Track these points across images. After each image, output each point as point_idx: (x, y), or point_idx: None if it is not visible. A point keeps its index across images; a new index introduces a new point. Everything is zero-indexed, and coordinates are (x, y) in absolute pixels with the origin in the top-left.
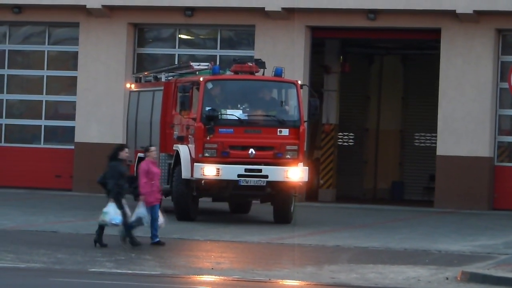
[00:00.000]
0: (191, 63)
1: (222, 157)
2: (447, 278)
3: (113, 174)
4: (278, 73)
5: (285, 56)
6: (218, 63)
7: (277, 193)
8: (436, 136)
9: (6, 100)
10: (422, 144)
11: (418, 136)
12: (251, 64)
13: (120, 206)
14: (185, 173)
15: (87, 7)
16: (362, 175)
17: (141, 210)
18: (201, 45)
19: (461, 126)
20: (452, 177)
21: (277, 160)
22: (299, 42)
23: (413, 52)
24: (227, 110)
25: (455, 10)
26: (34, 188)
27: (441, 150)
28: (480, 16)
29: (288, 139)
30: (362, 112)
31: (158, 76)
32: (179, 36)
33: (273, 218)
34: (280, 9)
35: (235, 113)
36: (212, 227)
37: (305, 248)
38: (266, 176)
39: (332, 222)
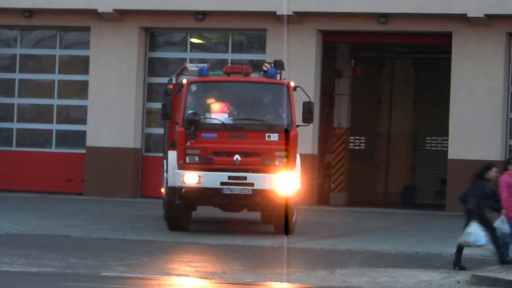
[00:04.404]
0: (186, 65)
1: (205, 164)
2: (458, 282)
3: (477, 193)
4: (272, 74)
5: (297, 60)
6: None
7: (267, 203)
8: (447, 140)
9: (18, 104)
10: (434, 148)
11: (429, 140)
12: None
13: (486, 226)
14: (171, 181)
15: (98, 11)
16: (374, 179)
17: (503, 226)
18: (212, 49)
19: (472, 130)
20: (463, 180)
21: (265, 167)
22: (311, 46)
23: (425, 56)
24: (211, 114)
25: (466, 14)
26: (46, 192)
27: (452, 154)
28: (491, 20)
29: (277, 145)
30: (374, 116)
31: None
32: (191, 40)
33: (274, 229)
34: (291, 13)
35: (219, 117)
36: (224, 232)
37: (316, 251)
38: (252, 184)
39: (343, 226)
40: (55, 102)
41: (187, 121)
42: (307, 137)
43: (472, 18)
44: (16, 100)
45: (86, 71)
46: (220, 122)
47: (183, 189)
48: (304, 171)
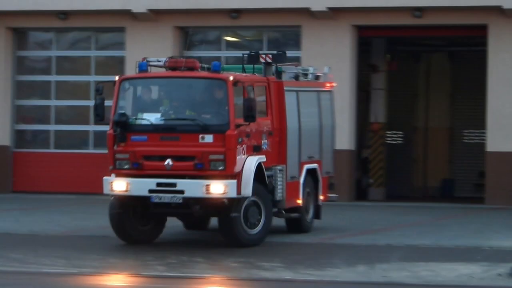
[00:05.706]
0: (146, 59)
1: (134, 169)
2: (500, 275)
3: None
4: (215, 68)
5: (332, 56)
6: None
7: (202, 212)
8: (485, 133)
9: (55, 106)
10: (471, 141)
11: (467, 133)
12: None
13: None
14: (104, 188)
15: (132, 11)
16: (412, 173)
17: None
18: (247, 47)
19: (510, 122)
20: (502, 173)
21: (199, 172)
22: (346, 41)
23: (461, 49)
24: (143, 114)
25: (501, 6)
26: (84, 193)
27: (490, 147)
28: None
29: (212, 147)
30: (410, 110)
31: None
32: (225, 38)
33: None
34: (325, 9)
35: (149, 117)
36: None
37: (356, 247)
38: (182, 192)
39: (382, 220)
40: (92, 103)
41: (115, 122)
42: (344, 133)
43: (508, 9)
44: (53, 102)
45: (121, 72)
46: (150, 123)
47: (112, 197)
48: (341, 167)
